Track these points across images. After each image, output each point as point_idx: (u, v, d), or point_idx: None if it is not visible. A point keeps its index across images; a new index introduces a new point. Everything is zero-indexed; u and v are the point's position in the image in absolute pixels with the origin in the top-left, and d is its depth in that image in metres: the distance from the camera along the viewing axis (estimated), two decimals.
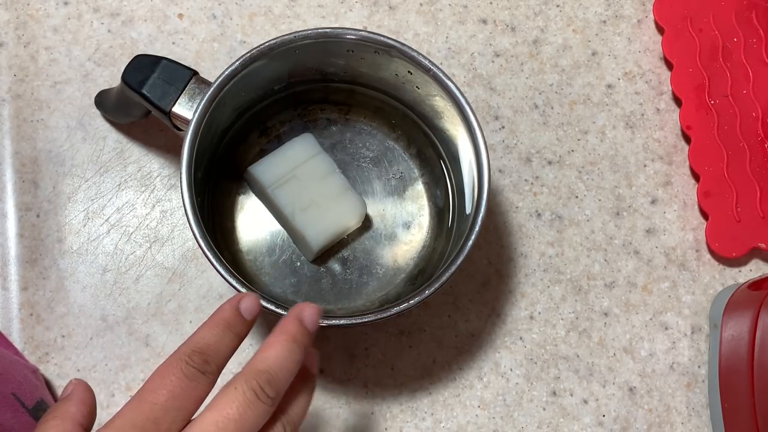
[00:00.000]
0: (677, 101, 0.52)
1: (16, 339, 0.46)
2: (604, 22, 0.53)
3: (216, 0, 0.52)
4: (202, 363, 0.31)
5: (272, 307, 0.38)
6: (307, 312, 0.33)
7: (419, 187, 0.48)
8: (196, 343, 0.31)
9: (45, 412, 0.32)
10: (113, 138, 0.49)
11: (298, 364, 0.32)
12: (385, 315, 0.38)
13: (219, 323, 0.32)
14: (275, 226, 0.47)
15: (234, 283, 0.38)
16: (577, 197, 0.50)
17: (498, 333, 0.48)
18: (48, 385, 0.46)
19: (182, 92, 0.41)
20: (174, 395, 0.30)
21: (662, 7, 0.53)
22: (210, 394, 0.31)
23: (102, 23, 0.51)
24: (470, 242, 0.40)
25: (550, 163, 0.51)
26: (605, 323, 0.49)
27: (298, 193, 0.44)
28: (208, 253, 0.38)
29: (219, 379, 0.32)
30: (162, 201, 0.49)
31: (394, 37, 0.42)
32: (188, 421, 0.30)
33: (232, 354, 0.32)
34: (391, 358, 0.47)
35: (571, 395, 0.48)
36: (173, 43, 0.51)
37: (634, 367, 0.48)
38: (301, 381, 0.34)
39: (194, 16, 0.51)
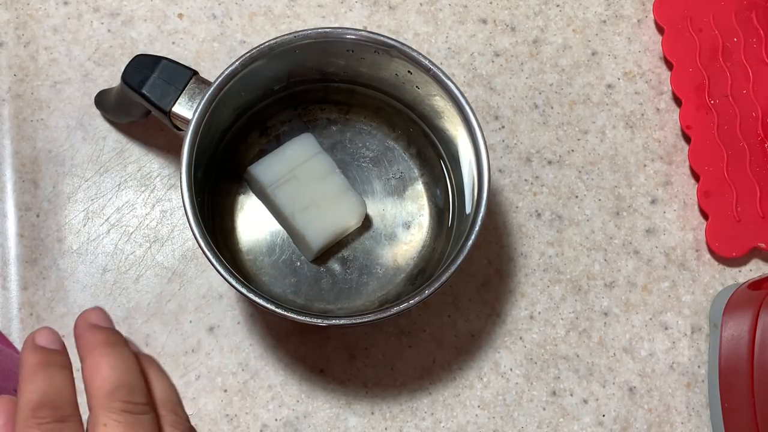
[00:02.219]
0: (677, 101, 0.52)
1: (16, 339, 0.46)
2: (604, 22, 0.53)
3: (216, 0, 0.52)
4: (54, 414, 0.27)
5: (272, 307, 0.38)
6: (38, 337, 0.29)
7: (419, 187, 0.48)
8: (31, 400, 0.28)
9: None
10: (113, 138, 0.49)
11: (70, 381, 0.29)
12: (385, 315, 0.38)
13: (36, 369, 0.28)
14: (275, 226, 0.47)
15: (234, 283, 0.38)
16: (577, 197, 0.50)
17: (498, 333, 0.48)
18: None
19: (182, 92, 0.41)
20: None
21: (662, 7, 0.53)
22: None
23: (102, 23, 0.51)
24: (470, 242, 0.40)
25: (550, 163, 0.51)
26: (605, 323, 0.49)
27: (298, 193, 0.44)
28: (208, 253, 0.38)
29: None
30: (162, 201, 0.49)
31: (394, 37, 0.42)
32: None
33: (74, 387, 0.29)
34: (391, 358, 0.47)
35: (571, 395, 0.48)
36: (173, 43, 0.51)
37: (634, 367, 0.48)
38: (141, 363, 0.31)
39: (194, 16, 0.51)
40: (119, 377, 0.28)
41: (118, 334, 0.30)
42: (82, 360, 0.29)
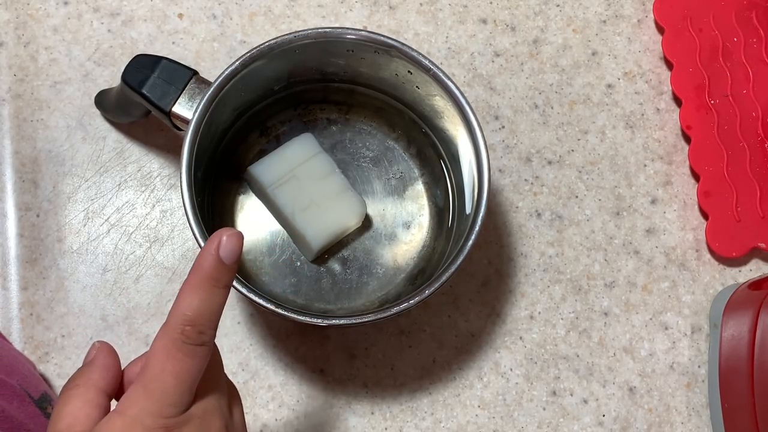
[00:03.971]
0: (677, 101, 0.52)
1: (16, 339, 0.46)
2: (604, 21, 0.53)
3: (216, 0, 0.52)
4: (197, 336, 0.29)
5: (272, 307, 0.38)
6: (226, 246, 0.30)
7: (419, 187, 0.48)
8: (185, 313, 0.29)
9: (62, 390, 0.31)
10: (113, 138, 0.49)
11: (221, 308, 0.30)
12: (385, 315, 0.38)
13: (202, 283, 0.30)
14: (275, 226, 0.47)
15: (234, 283, 0.38)
16: (577, 197, 0.50)
17: (498, 333, 0.48)
18: (47, 383, 0.46)
19: (182, 92, 0.41)
20: (180, 378, 0.29)
21: (662, 7, 0.53)
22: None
23: (102, 23, 0.51)
24: (470, 242, 0.40)
25: (550, 163, 0.51)
26: (605, 323, 0.49)
27: (298, 192, 0.44)
28: None
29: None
30: (162, 201, 0.49)
31: (394, 37, 0.42)
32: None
33: (223, 308, 0.31)
34: (391, 358, 0.47)
35: (571, 395, 0.48)
36: (173, 42, 0.51)
37: (634, 367, 0.48)
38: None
39: (194, 15, 0.51)
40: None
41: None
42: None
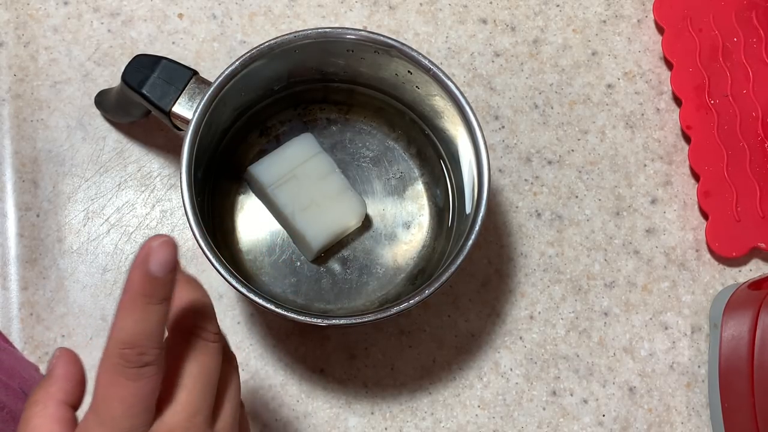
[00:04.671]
0: (677, 101, 0.52)
1: (16, 339, 0.46)
2: (604, 21, 0.53)
3: (216, 0, 0.52)
4: (137, 358, 0.27)
5: (272, 307, 0.38)
6: (156, 255, 0.27)
7: (419, 187, 0.48)
8: (121, 338, 0.27)
9: (24, 408, 0.30)
10: (113, 138, 0.49)
11: (162, 323, 0.28)
12: (385, 315, 0.38)
13: (135, 301, 0.27)
14: (275, 226, 0.47)
15: (234, 283, 0.38)
16: (577, 197, 0.50)
17: (498, 333, 0.48)
18: None
19: (182, 92, 0.41)
20: (127, 403, 0.28)
21: (662, 7, 0.53)
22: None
23: (102, 23, 0.51)
24: (470, 242, 0.40)
25: (550, 162, 0.51)
26: (605, 323, 0.49)
27: (297, 192, 0.44)
28: (208, 253, 0.38)
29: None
30: (162, 201, 0.49)
31: (394, 37, 0.42)
32: (153, 412, 0.29)
33: (165, 324, 0.28)
34: (391, 358, 0.47)
35: (571, 395, 0.48)
36: (173, 42, 0.51)
37: (634, 367, 0.48)
38: (225, 363, 0.31)
39: (194, 15, 0.51)
40: (131, 338, 0.27)
41: (166, 287, 0.28)
42: (120, 302, 0.28)
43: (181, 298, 0.31)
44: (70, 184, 0.48)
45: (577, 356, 0.48)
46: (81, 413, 0.30)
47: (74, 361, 0.30)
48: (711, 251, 0.50)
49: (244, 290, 0.38)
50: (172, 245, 0.27)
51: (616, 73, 0.52)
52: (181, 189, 0.39)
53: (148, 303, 0.27)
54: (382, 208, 0.47)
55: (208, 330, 0.30)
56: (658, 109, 0.52)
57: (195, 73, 0.41)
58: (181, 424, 0.29)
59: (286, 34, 0.41)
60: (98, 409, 0.28)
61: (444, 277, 0.39)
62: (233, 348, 0.47)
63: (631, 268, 0.50)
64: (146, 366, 0.28)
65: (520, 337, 0.48)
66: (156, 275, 0.27)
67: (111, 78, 0.50)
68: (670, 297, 0.49)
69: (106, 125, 0.49)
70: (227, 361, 0.33)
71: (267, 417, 0.46)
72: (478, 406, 0.47)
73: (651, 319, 0.49)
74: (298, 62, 0.44)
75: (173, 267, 0.27)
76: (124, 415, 0.28)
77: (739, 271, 0.50)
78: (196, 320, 0.30)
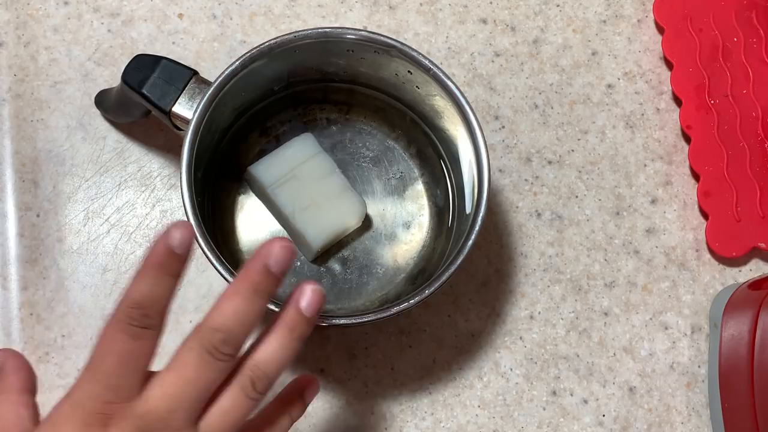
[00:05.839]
0: (677, 101, 0.52)
1: (16, 339, 0.46)
2: (604, 21, 0.53)
3: (216, 0, 0.52)
4: (142, 318, 0.30)
5: (272, 307, 0.38)
6: (174, 233, 0.30)
7: (419, 187, 0.48)
8: (132, 297, 0.30)
9: None
10: (113, 138, 0.49)
11: (259, 317, 0.31)
12: (385, 315, 0.38)
13: (152, 269, 0.30)
14: (275, 226, 0.47)
15: None
16: (577, 197, 0.50)
17: (498, 333, 0.48)
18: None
19: (182, 92, 0.41)
20: (123, 360, 0.29)
21: (662, 7, 0.53)
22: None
23: (102, 23, 0.51)
24: (470, 242, 0.40)
25: (550, 162, 0.51)
26: (605, 323, 0.49)
27: (298, 192, 0.44)
28: (208, 253, 0.38)
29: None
30: (162, 201, 0.49)
31: (394, 37, 0.42)
32: (146, 377, 0.30)
33: (173, 297, 0.31)
34: (391, 358, 0.47)
35: (571, 395, 0.48)
36: (173, 42, 0.51)
37: (634, 367, 0.48)
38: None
39: (194, 15, 0.51)
40: (226, 323, 0.30)
41: (274, 284, 0.31)
42: (228, 288, 0.31)
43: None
44: (70, 184, 0.48)
45: (577, 356, 0.48)
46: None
47: (19, 355, 0.33)
48: (711, 251, 0.50)
49: None
50: (191, 229, 0.30)
51: (616, 73, 0.52)
52: (181, 189, 0.39)
53: (163, 272, 0.30)
54: (382, 208, 0.47)
55: (221, 350, 0.31)
56: (658, 109, 0.52)
57: (195, 73, 0.41)
58: (160, 410, 0.30)
59: (286, 34, 0.41)
60: (93, 363, 0.30)
61: (444, 277, 0.39)
62: None
63: (631, 268, 0.50)
64: (147, 329, 0.30)
65: (520, 337, 0.48)
66: (175, 250, 0.30)
67: (111, 78, 0.50)
68: (670, 297, 0.49)
69: (106, 125, 0.49)
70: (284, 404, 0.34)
71: None
72: (478, 406, 0.47)
73: (651, 319, 0.49)
74: (298, 62, 0.44)
75: (189, 246, 0.30)
76: (116, 371, 0.29)
77: (739, 271, 0.50)
78: (214, 338, 0.31)
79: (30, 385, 0.32)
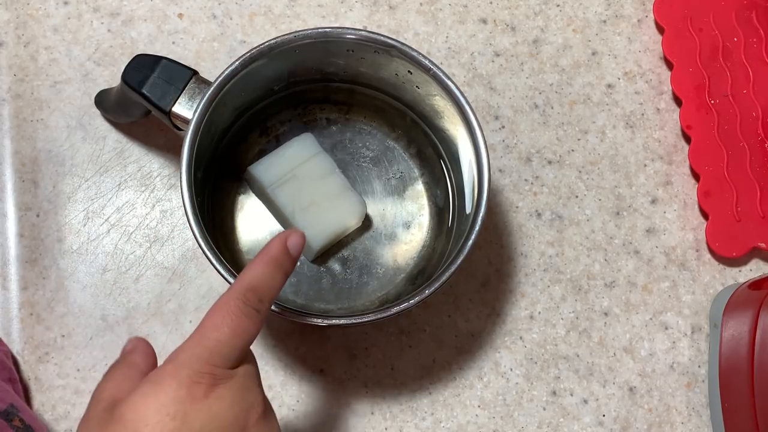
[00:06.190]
0: (677, 101, 0.52)
1: (16, 339, 0.46)
2: (604, 21, 0.53)
3: (216, 0, 0.52)
4: (257, 301, 0.33)
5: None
6: (293, 239, 0.35)
7: (419, 187, 0.48)
8: (251, 281, 0.33)
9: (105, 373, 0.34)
10: (113, 138, 0.49)
11: (280, 287, 0.34)
12: (385, 315, 0.38)
13: (269, 261, 0.33)
14: (275, 226, 0.47)
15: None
16: (577, 197, 0.50)
17: (498, 333, 0.48)
18: (29, 390, 0.45)
19: (182, 92, 0.41)
20: (235, 332, 0.32)
21: (662, 7, 0.53)
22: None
23: (102, 23, 0.51)
24: (470, 242, 0.40)
25: (550, 162, 0.51)
26: (605, 323, 0.49)
27: (298, 192, 0.44)
28: (208, 253, 0.38)
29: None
30: (162, 201, 0.49)
31: (394, 37, 0.42)
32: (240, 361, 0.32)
33: (280, 290, 0.34)
34: (391, 358, 0.47)
35: (571, 395, 0.48)
36: (173, 42, 0.51)
37: (634, 367, 0.48)
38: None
39: (194, 15, 0.51)
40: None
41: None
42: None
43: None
44: (70, 184, 0.48)
45: (577, 356, 0.48)
46: None
47: (151, 347, 0.35)
48: (711, 251, 0.50)
49: None
50: (303, 238, 0.35)
51: (616, 73, 0.52)
52: (181, 189, 0.39)
53: (277, 267, 0.34)
54: (382, 208, 0.47)
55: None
56: (658, 109, 0.52)
57: (195, 73, 0.41)
58: (257, 375, 0.33)
59: (286, 34, 0.41)
60: (204, 331, 0.32)
61: (444, 277, 0.39)
62: None
63: (631, 268, 0.50)
64: (259, 312, 0.33)
65: (520, 337, 0.48)
66: (289, 251, 0.34)
67: (111, 78, 0.50)
68: (670, 297, 0.49)
69: (106, 125, 0.49)
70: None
71: None
72: (478, 406, 0.47)
73: (651, 319, 0.49)
74: (298, 62, 0.44)
75: (300, 251, 0.35)
76: (228, 342, 0.32)
77: (739, 271, 0.50)
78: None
79: (149, 370, 0.33)
